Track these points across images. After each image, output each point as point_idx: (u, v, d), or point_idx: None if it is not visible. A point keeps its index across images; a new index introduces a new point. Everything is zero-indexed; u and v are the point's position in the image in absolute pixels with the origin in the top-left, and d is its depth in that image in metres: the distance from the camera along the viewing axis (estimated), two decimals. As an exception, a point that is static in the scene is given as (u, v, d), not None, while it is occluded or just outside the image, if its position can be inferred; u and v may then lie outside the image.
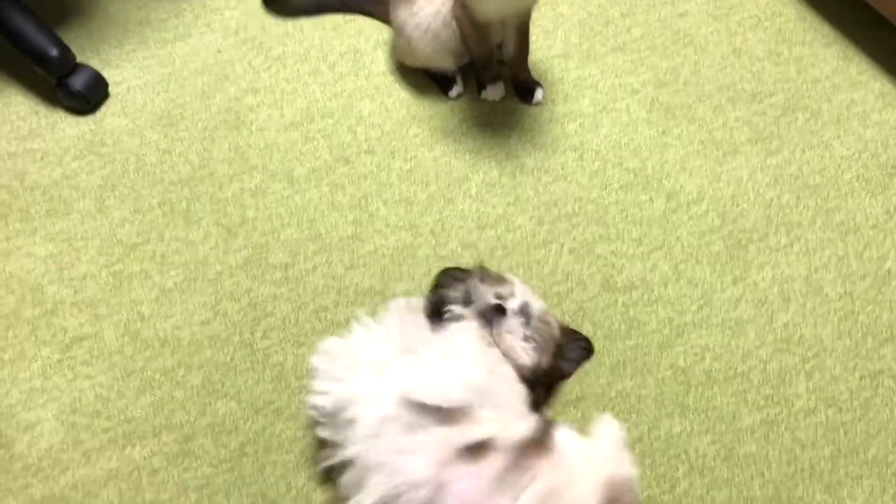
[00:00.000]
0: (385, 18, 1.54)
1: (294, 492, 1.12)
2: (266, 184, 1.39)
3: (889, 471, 1.12)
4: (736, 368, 1.20)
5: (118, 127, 1.46)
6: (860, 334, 1.22)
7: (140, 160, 1.42)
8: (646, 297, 1.26)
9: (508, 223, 1.34)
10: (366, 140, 1.44)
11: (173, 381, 1.20)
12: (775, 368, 1.20)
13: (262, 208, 1.36)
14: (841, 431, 1.16)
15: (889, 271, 1.28)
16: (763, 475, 1.13)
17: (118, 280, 1.29)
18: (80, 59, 1.48)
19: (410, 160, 1.42)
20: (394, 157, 1.42)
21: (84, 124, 1.47)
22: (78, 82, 1.44)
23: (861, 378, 1.19)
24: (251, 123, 1.46)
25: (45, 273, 1.30)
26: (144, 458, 1.15)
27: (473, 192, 1.38)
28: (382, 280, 1.28)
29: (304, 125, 1.46)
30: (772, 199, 1.36)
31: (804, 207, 1.35)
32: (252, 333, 1.24)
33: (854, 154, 1.40)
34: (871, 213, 1.34)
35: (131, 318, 1.26)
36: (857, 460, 1.13)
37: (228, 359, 1.22)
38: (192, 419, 1.18)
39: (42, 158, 1.42)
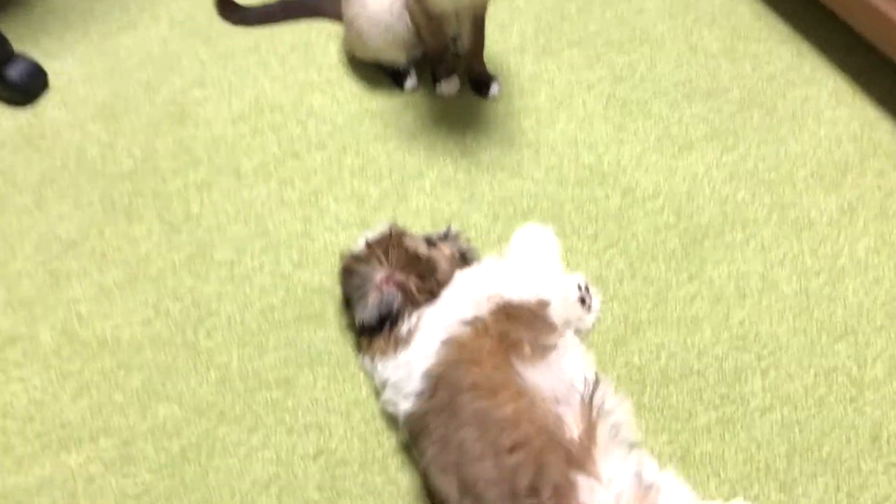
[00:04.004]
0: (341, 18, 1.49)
1: (238, 497, 1.08)
2: (212, 178, 1.34)
3: (843, 468, 1.11)
4: (692, 366, 1.18)
5: (58, 119, 1.41)
6: (815, 331, 1.21)
7: (81, 154, 1.37)
8: (601, 294, 1.24)
9: (463, 220, 1.32)
10: (316, 134, 1.40)
11: (112, 384, 1.15)
12: (731, 366, 1.18)
13: (208, 204, 1.32)
14: (796, 429, 1.14)
15: (843, 268, 1.27)
16: (719, 475, 1.11)
17: (55, 278, 1.24)
18: (18, 49, 1.43)
19: (362, 155, 1.38)
20: (345, 153, 1.38)
21: (22, 116, 1.41)
22: (14, 73, 1.39)
23: (816, 375, 1.18)
24: (197, 116, 1.41)
25: (-24, 271, 1.24)
26: (80, 465, 1.10)
27: (428, 188, 1.35)
28: (332, 278, 1.25)
29: (253, 118, 1.41)
30: (727, 196, 1.35)
31: (760, 204, 1.34)
32: (195, 333, 1.20)
33: (809, 151, 1.40)
34: (825, 209, 1.33)
35: (68, 317, 1.21)
36: (812, 458, 1.12)
37: (170, 360, 1.17)
38: (131, 423, 1.13)
39: (-24, 152, 1.36)
